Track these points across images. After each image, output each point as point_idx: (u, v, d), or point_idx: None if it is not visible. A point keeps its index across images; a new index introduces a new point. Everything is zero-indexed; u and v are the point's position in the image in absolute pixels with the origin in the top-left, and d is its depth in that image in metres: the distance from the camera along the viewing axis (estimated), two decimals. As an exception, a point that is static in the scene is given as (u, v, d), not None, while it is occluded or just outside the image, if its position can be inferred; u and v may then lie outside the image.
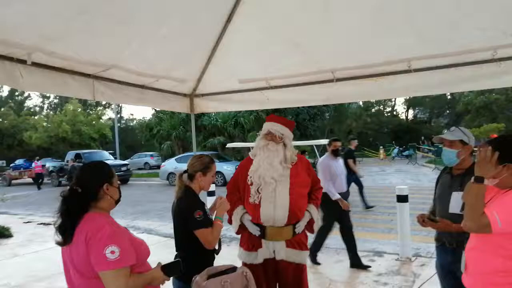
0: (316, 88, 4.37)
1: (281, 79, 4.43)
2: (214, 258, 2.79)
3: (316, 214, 3.15)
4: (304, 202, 3.11)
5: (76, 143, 31.74)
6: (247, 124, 25.36)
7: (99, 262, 1.84)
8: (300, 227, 3.06)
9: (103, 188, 2.02)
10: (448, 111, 43.19)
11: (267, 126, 3.17)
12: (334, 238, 6.84)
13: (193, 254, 2.61)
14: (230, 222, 3.22)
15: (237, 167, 3.59)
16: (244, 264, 3.06)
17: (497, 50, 3.37)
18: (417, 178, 17.71)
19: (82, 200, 1.97)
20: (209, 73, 4.59)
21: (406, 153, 29.97)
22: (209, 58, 4.34)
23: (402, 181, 16.21)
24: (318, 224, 3.18)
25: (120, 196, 2.15)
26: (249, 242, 3.08)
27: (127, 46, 3.57)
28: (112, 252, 1.83)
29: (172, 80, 4.40)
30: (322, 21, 3.62)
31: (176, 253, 2.72)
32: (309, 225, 3.15)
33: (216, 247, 2.77)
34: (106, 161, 2.26)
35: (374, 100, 41.58)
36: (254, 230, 3.03)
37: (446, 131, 2.80)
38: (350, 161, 9.73)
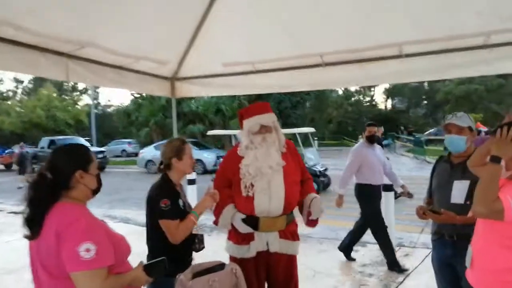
0: (304, 73, 4.21)
1: (268, 62, 4.25)
2: (190, 254, 2.61)
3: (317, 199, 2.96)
4: (297, 190, 2.95)
5: (50, 129, 30.79)
6: (228, 111, 25.07)
7: (71, 261, 1.60)
8: (316, 211, 2.92)
9: (76, 175, 1.75)
10: (425, 102, 43.73)
11: (257, 120, 2.88)
12: (317, 227, 6.77)
13: (161, 247, 2.42)
14: (215, 223, 2.97)
15: (219, 157, 3.36)
16: (234, 258, 2.86)
17: (490, 35, 3.28)
18: (396, 167, 17.83)
19: (51, 188, 1.71)
20: (191, 55, 4.37)
21: (385, 142, 30.25)
22: (192, 39, 4.13)
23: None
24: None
25: (100, 185, 1.88)
26: (239, 235, 2.88)
27: (104, 24, 3.32)
28: (87, 250, 1.59)
29: (153, 62, 4.16)
30: (311, 3, 3.45)
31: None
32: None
33: (197, 246, 2.60)
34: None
35: (354, 89, 41.88)
36: (246, 230, 2.83)
37: (452, 116, 2.66)
38: None
